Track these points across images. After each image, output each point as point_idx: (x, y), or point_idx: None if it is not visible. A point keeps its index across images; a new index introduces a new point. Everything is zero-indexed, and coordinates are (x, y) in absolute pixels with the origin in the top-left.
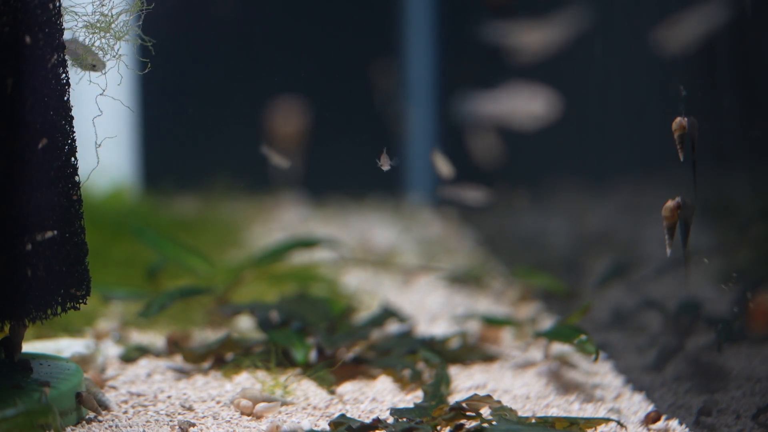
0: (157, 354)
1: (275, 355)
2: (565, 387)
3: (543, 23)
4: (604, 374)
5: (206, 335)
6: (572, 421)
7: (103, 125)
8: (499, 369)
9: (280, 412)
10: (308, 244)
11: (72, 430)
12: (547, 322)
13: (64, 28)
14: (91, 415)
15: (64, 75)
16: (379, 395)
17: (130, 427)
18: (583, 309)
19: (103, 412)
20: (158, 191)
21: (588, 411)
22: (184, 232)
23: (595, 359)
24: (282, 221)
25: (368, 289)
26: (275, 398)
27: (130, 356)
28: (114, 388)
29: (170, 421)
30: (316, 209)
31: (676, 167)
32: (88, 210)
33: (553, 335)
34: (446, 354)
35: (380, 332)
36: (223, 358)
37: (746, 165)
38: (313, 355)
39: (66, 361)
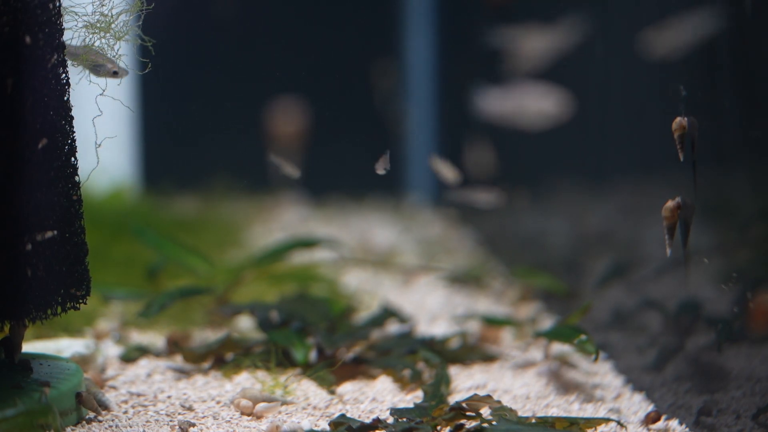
0: (157, 354)
1: (275, 355)
2: (565, 387)
3: (544, 28)
4: (604, 374)
5: (206, 335)
6: (572, 421)
7: (103, 125)
8: (499, 369)
9: (280, 412)
10: (308, 244)
11: (72, 430)
12: (547, 322)
13: (64, 28)
14: (91, 415)
15: (64, 75)
16: (379, 395)
17: (130, 427)
18: (583, 309)
19: (103, 412)
20: (158, 191)
21: (588, 411)
22: (184, 232)
23: (595, 359)
24: (282, 221)
25: (368, 289)
26: (275, 398)
27: (130, 356)
28: (114, 388)
29: (170, 421)
30: (316, 209)
31: (676, 167)
32: (88, 210)
33: (553, 335)
34: (446, 354)
35: (380, 332)
36: (223, 358)
37: (746, 165)
38: (313, 355)
39: (66, 361)
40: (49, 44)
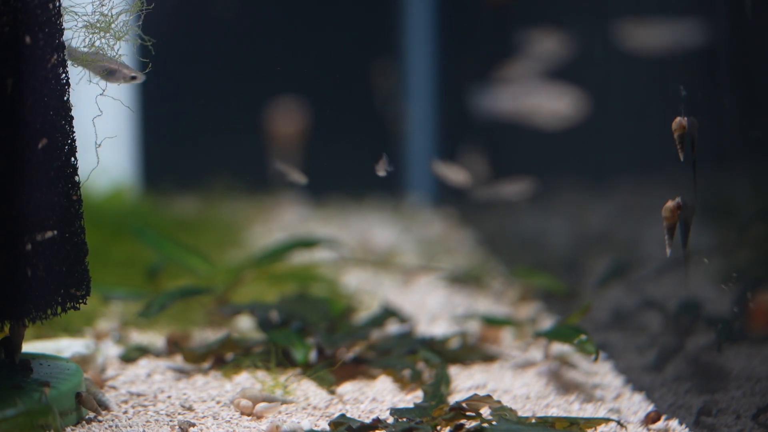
0: (157, 354)
1: (275, 355)
2: (565, 387)
3: (550, 31)
4: (604, 374)
5: (206, 335)
6: (572, 421)
7: (103, 125)
8: (499, 369)
9: (280, 412)
10: (308, 244)
11: (72, 430)
12: (547, 322)
13: (64, 28)
14: (91, 415)
15: (64, 75)
16: (379, 395)
17: (130, 427)
18: (583, 309)
19: (103, 412)
20: (158, 191)
21: (588, 411)
22: (184, 232)
23: (595, 359)
24: (282, 221)
25: (368, 289)
26: (275, 398)
27: (130, 356)
28: (114, 388)
29: (170, 421)
30: (316, 209)
31: (676, 167)
32: (88, 210)
33: (553, 335)
34: (446, 354)
35: (380, 332)
36: (223, 358)
37: (746, 165)
38: (313, 355)
39: (66, 361)
40: (49, 44)
